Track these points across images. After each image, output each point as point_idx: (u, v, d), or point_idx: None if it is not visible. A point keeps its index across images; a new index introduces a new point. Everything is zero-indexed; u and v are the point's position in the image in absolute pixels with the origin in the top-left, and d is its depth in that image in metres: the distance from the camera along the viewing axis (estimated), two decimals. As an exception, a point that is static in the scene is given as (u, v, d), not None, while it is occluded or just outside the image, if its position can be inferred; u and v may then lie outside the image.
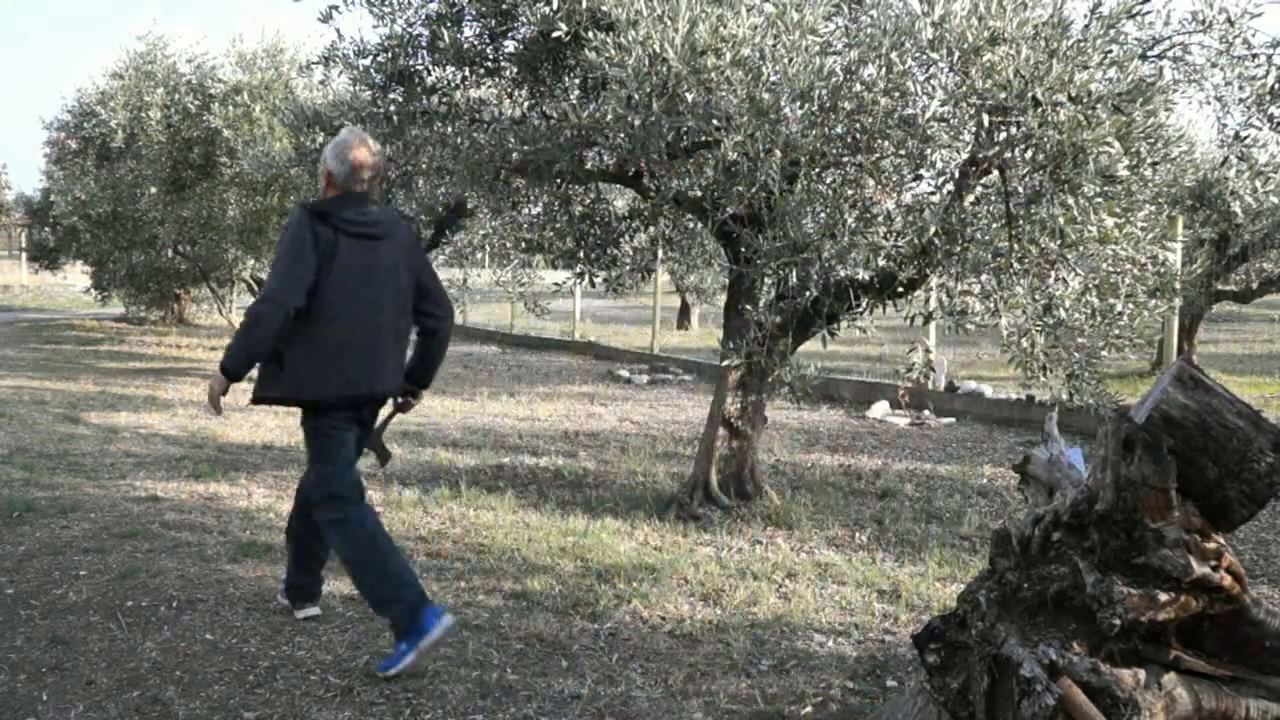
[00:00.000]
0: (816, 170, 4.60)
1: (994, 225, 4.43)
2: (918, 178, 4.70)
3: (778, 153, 3.99)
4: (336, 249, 3.47)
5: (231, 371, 3.49)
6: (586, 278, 6.33)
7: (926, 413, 9.13)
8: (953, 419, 9.00)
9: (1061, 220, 3.97)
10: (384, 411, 3.86)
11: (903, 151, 4.46)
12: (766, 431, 7.06)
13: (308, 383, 3.49)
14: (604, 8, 4.33)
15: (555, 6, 4.73)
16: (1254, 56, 4.30)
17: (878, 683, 3.45)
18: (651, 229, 6.87)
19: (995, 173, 4.26)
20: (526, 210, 6.58)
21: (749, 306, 5.08)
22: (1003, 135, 3.97)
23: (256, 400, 3.59)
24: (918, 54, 3.86)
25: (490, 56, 5.77)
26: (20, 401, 9.28)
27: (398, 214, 4.00)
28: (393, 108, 5.86)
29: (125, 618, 3.93)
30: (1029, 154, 4.02)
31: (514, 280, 8.76)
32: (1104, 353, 4.02)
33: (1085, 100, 3.72)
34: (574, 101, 5.02)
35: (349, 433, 3.65)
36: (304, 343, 3.44)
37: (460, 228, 9.73)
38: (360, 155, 3.59)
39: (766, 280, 5.16)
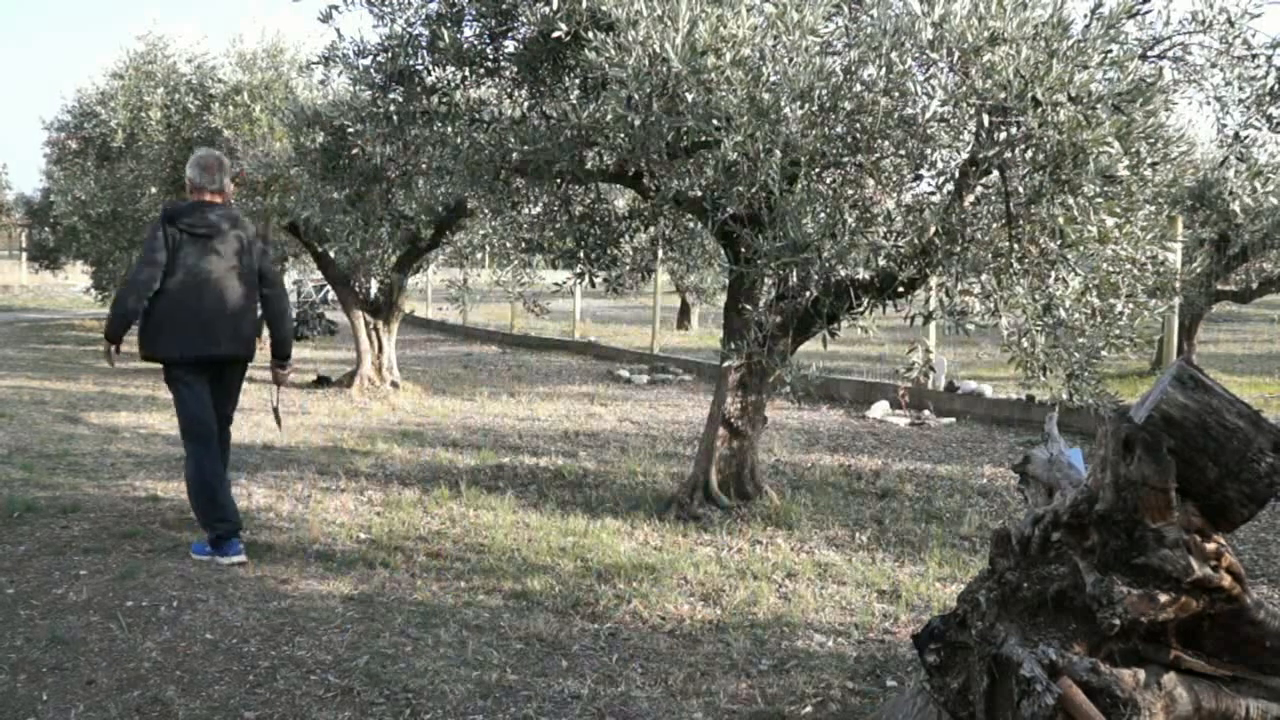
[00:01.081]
0: (816, 170, 4.60)
1: (994, 225, 4.43)
2: (918, 178, 4.70)
3: (778, 153, 3.99)
4: (180, 245, 4.66)
5: (110, 337, 4.77)
6: (586, 278, 6.32)
7: (926, 413, 9.14)
8: (953, 419, 9.00)
9: (1061, 220, 3.97)
10: (272, 389, 5.37)
11: (903, 151, 4.46)
12: (766, 431, 7.06)
13: (162, 347, 4.70)
14: (604, 8, 4.32)
15: (555, 6, 4.73)
16: (1254, 57, 4.29)
17: (878, 683, 3.45)
18: (651, 229, 6.86)
19: (995, 173, 4.26)
20: (526, 210, 6.57)
21: (749, 306, 5.08)
22: (1003, 135, 3.96)
23: (144, 358, 4.74)
24: (918, 54, 3.85)
25: (490, 56, 5.77)
26: (20, 401, 9.28)
27: (237, 216, 4.92)
28: (393, 108, 5.86)
29: (125, 618, 3.93)
30: (1029, 154, 4.01)
31: (514, 280, 8.75)
32: (1104, 353, 4.01)
33: (1085, 100, 3.72)
34: (574, 101, 5.02)
35: (198, 383, 4.78)
36: (158, 317, 4.67)
37: (459, 227, 9.73)
38: (208, 165, 4.80)
39: (766, 280, 5.17)
